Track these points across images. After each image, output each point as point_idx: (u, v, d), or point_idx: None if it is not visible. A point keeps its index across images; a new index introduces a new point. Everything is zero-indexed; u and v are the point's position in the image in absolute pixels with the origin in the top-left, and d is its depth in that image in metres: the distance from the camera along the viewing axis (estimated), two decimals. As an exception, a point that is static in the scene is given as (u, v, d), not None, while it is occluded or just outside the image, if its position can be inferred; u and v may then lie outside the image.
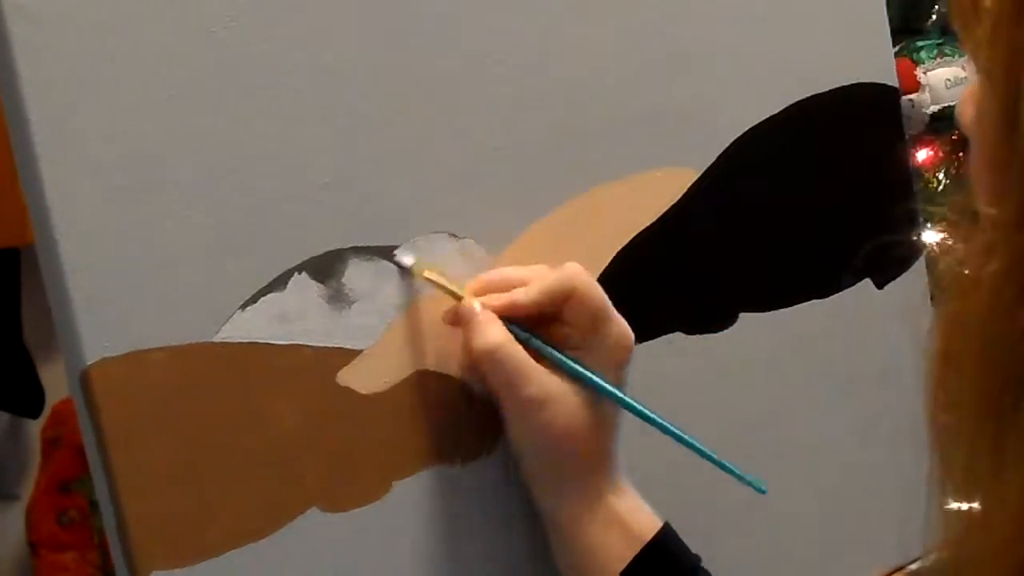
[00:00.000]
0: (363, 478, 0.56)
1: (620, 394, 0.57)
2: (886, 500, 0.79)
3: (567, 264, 0.57)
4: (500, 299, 0.56)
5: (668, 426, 0.58)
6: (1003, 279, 0.31)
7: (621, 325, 0.57)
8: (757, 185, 0.72)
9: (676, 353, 0.67)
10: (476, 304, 0.56)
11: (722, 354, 0.70)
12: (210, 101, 0.52)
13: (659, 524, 0.58)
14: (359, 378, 0.55)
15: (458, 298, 0.56)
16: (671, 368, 0.67)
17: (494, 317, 0.55)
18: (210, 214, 0.52)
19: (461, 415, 0.59)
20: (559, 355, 0.56)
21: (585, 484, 0.57)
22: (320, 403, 0.54)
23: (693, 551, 0.59)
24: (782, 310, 0.73)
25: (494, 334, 0.55)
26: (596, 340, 0.56)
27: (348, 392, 0.55)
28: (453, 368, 0.58)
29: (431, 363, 0.58)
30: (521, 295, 0.56)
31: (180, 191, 0.51)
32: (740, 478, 0.58)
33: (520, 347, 0.55)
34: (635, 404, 0.57)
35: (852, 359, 0.77)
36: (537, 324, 0.57)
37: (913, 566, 0.80)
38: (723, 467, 0.58)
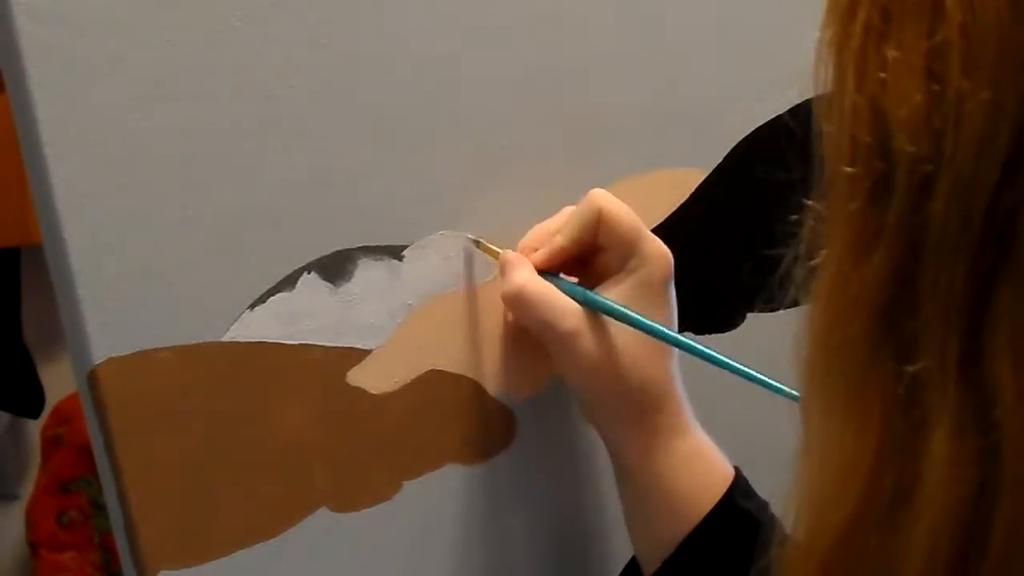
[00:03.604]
0: (373, 478, 0.56)
1: (663, 329, 0.55)
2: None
3: (591, 192, 0.57)
4: (538, 254, 0.57)
5: (702, 349, 0.56)
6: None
7: (655, 240, 0.58)
8: (764, 185, 0.72)
9: (684, 353, 0.67)
10: (516, 255, 0.57)
11: (730, 354, 0.69)
12: (218, 100, 0.51)
13: (730, 465, 0.58)
14: (369, 378, 0.55)
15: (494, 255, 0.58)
16: (680, 368, 0.67)
17: (522, 261, 0.56)
18: (219, 213, 0.51)
19: (473, 414, 0.59)
20: (596, 296, 0.56)
21: (657, 418, 0.56)
22: (329, 403, 0.54)
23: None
24: (789, 310, 0.73)
25: (518, 276, 0.55)
26: (635, 260, 0.56)
27: (358, 392, 0.55)
28: (464, 367, 0.58)
29: (442, 362, 0.58)
30: (556, 241, 0.57)
31: (189, 190, 0.51)
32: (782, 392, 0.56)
33: (547, 284, 0.55)
34: (674, 336, 0.56)
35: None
36: (580, 261, 0.58)
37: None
38: (774, 388, 0.56)
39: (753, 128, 0.71)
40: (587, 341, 0.54)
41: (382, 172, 0.56)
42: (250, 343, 0.52)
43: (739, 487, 0.57)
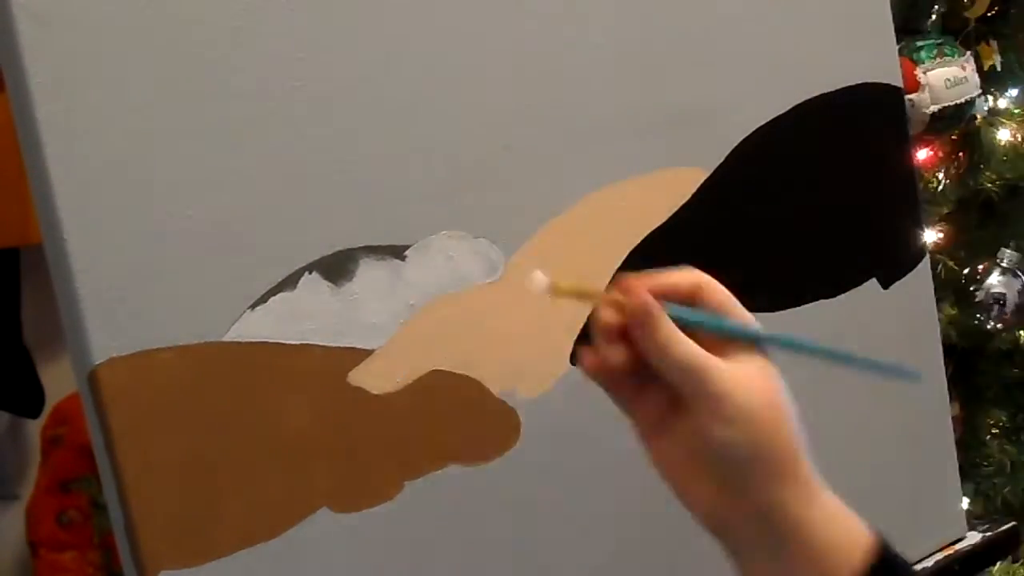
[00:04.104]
0: (374, 478, 0.56)
1: (786, 336, 0.54)
2: (889, 500, 0.79)
3: (687, 268, 0.55)
4: (644, 287, 0.53)
5: (829, 350, 0.55)
6: None
7: (746, 318, 0.55)
8: (765, 184, 0.72)
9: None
10: (652, 300, 0.53)
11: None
12: (219, 101, 0.52)
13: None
14: (370, 378, 0.55)
15: (606, 300, 0.53)
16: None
17: (663, 314, 0.53)
18: (220, 214, 0.51)
19: (475, 415, 0.59)
20: (721, 322, 0.54)
21: (802, 467, 0.53)
22: (331, 403, 0.54)
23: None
24: (790, 310, 0.73)
25: (670, 332, 0.52)
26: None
27: (359, 392, 0.55)
28: (467, 367, 0.58)
29: (444, 363, 0.58)
30: (660, 278, 0.54)
31: (190, 191, 0.51)
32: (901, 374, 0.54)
33: (694, 343, 0.53)
34: (795, 339, 0.55)
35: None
36: None
37: (917, 567, 0.80)
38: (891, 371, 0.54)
39: (753, 128, 0.71)
40: (738, 397, 0.52)
41: (384, 172, 0.56)
42: (251, 343, 0.52)
43: (883, 543, 0.54)
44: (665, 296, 0.54)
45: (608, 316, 0.53)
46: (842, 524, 0.54)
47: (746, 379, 0.53)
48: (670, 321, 0.53)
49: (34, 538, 1.33)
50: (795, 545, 0.53)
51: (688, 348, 0.52)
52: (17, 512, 1.37)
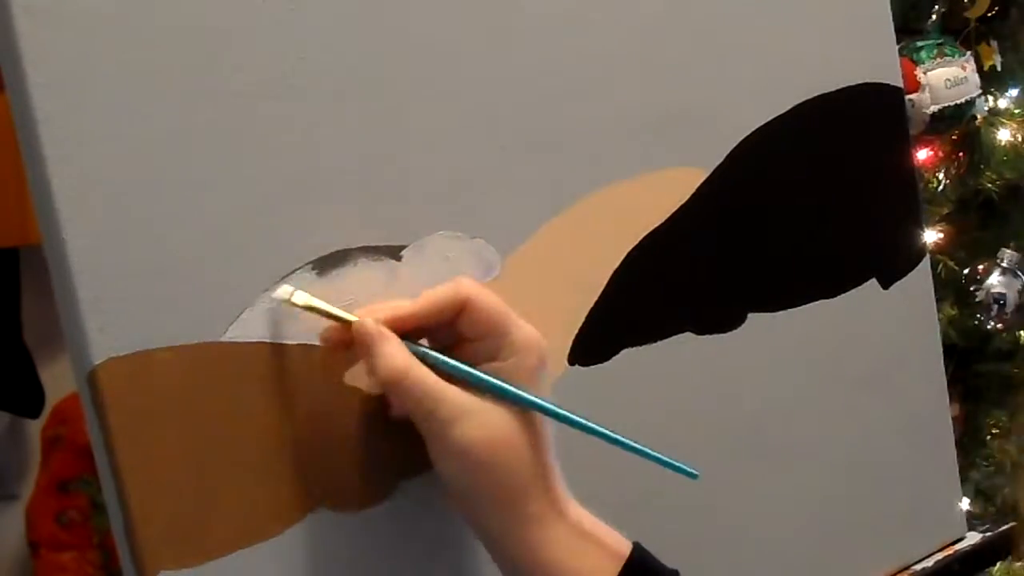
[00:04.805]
0: (371, 478, 0.56)
1: (527, 395, 0.54)
2: (889, 500, 0.79)
3: (457, 278, 0.55)
4: (383, 311, 0.53)
5: (588, 425, 0.55)
6: None
7: (526, 329, 0.55)
8: (764, 185, 0.72)
9: (686, 353, 0.67)
10: (377, 325, 0.52)
11: (731, 354, 0.70)
12: (217, 100, 0.52)
13: (626, 540, 0.55)
14: (368, 378, 0.55)
15: (344, 321, 0.53)
16: (681, 368, 0.67)
17: (395, 338, 0.53)
18: (218, 213, 0.51)
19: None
20: (459, 365, 0.53)
21: (532, 504, 0.53)
22: (328, 403, 0.54)
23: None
24: (790, 310, 0.73)
25: (400, 358, 0.52)
26: (503, 349, 0.54)
27: (356, 392, 0.55)
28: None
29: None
30: (405, 306, 0.54)
31: (188, 190, 0.51)
32: (674, 467, 0.56)
33: (425, 367, 0.52)
34: (547, 404, 0.54)
35: (859, 358, 0.77)
36: (443, 345, 0.55)
37: (917, 567, 0.80)
38: (658, 460, 0.55)
39: (753, 128, 0.71)
40: (464, 425, 0.52)
41: (381, 172, 0.56)
42: (249, 343, 0.52)
43: (635, 561, 0.54)
44: (423, 316, 0.53)
45: (333, 336, 0.53)
46: (578, 551, 0.54)
47: (471, 413, 0.52)
48: (397, 348, 0.52)
49: (34, 538, 1.33)
50: (528, 570, 0.54)
51: (413, 377, 0.52)
52: (17, 512, 1.37)
